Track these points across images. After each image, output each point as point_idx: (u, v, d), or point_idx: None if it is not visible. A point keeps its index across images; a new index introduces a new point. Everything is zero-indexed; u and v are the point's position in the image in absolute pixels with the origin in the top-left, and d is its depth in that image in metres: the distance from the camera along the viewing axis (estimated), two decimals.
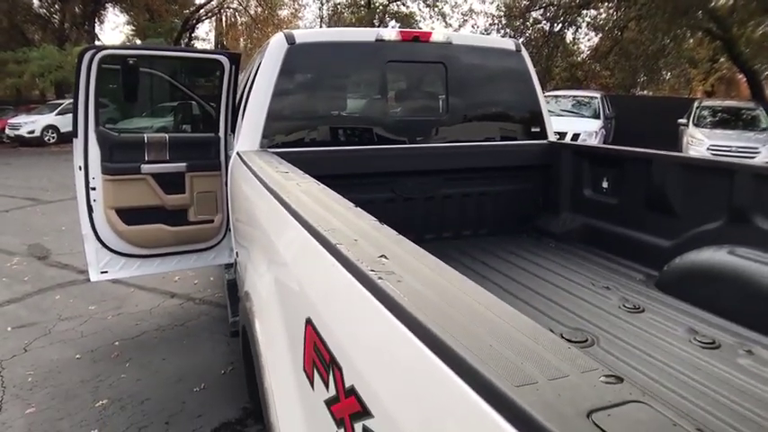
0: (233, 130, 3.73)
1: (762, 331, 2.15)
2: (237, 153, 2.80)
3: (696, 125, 12.69)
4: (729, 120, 13.13)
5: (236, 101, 3.78)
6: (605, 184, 3.29)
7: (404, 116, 3.44)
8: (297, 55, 3.01)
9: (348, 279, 0.88)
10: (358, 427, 0.71)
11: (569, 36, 23.56)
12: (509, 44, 3.67)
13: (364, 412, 0.70)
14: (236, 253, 3.01)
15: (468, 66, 3.42)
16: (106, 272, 3.79)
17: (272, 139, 2.96)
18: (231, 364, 3.93)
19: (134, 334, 4.35)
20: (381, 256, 0.91)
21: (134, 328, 4.45)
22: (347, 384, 0.75)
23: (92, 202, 3.59)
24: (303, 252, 1.11)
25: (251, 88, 3.15)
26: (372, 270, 0.84)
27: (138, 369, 3.79)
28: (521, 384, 0.59)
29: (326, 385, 0.83)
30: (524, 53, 3.62)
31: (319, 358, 0.86)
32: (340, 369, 0.77)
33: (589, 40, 24.75)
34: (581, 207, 3.43)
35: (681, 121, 13.14)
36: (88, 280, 3.98)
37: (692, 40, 22.30)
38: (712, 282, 2.38)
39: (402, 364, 0.69)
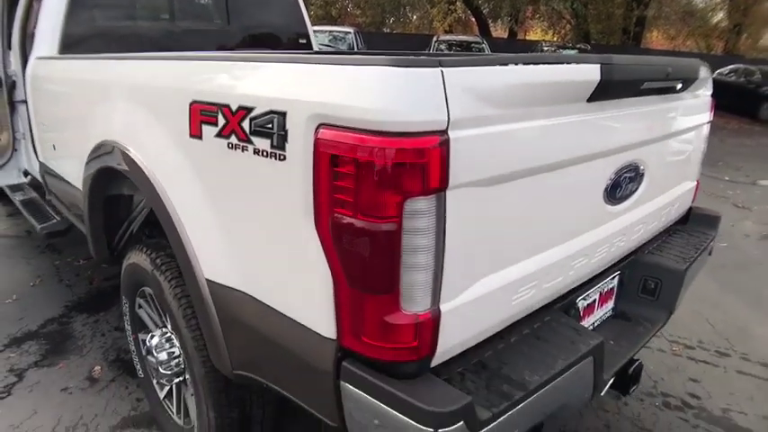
0: (9, 46, 3.74)
1: None
2: (39, 58, 2.98)
3: None
4: (462, 52, 15.38)
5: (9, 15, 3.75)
6: None
7: (191, 27, 3.82)
8: None
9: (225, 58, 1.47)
10: (246, 123, 1.32)
11: None
12: None
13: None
14: (41, 160, 3.17)
15: None
16: None
17: (69, 48, 3.11)
18: (38, 277, 4.06)
19: None
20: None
21: None
22: (241, 105, 1.34)
23: None
24: (181, 71, 1.64)
25: None
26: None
27: None
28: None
29: (216, 123, 1.40)
30: None
31: (206, 114, 1.42)
32: (228, 105, 1.36)
33: None
34: None
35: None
36: None
37: None
38: None
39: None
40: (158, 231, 2.29)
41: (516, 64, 1.21)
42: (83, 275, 4.11)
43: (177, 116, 1.56)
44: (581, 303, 1.83)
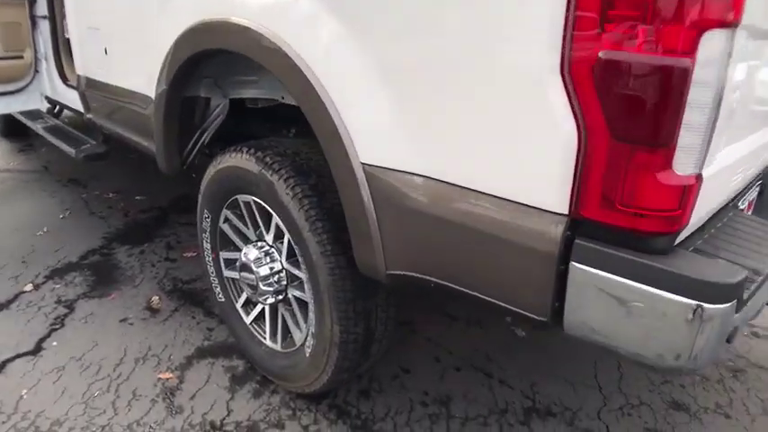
0: None
1: None
2: None
3: None
4: None
5: None
6: None
7: None
8: None
9: None
10: None
11: None
12: None
13: None
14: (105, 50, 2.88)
15: None
16: None
17: None
18: (67, 210, 3.83)
19: None
20: None
21: None
22: None
23: None
24: None
25: None
26: None
27: None
28: None
29: None
30: None
31: None
32: None
33: None
34: None
35: None
36: None
37: None
38: None
39: None
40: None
41: None
42: (115, 208, 3.88)
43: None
44: (740, 205, 1.70)
